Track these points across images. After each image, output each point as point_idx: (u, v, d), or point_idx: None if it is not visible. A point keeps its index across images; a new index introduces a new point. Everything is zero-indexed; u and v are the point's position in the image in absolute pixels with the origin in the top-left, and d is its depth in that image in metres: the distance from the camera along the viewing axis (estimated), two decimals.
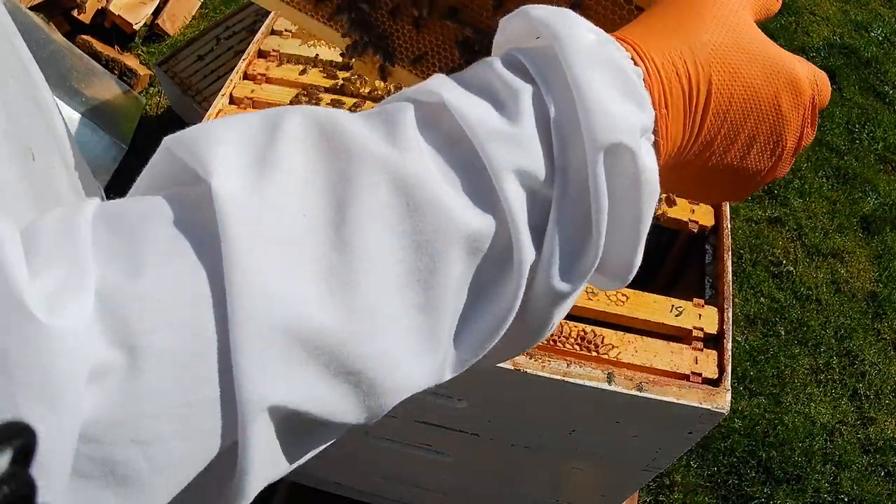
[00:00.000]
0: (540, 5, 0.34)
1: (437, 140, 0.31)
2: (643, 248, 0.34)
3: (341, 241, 0.29)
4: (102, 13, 2.52)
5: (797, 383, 2.05)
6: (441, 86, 0.32)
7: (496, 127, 0.31)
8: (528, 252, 0.31)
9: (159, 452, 0.28)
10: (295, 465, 0.33)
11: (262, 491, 0.33)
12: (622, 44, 0.34)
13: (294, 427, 0.30)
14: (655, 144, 0.33)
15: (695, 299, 0.88)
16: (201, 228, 0.29)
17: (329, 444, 0.35)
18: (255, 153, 0.30)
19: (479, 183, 0.31)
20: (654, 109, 0.33)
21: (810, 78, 0.38)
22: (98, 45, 2.46)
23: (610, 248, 0.33)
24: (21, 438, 0.23)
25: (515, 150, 0.30)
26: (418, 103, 0.32)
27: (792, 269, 2.32)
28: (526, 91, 0.32)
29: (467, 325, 0.33)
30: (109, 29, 2.56)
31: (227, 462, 0.30)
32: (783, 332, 2.15)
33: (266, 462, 0.30)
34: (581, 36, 0.32)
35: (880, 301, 2.25)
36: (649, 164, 0.32)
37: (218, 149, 0.29)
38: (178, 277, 0.28)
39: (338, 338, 0.29)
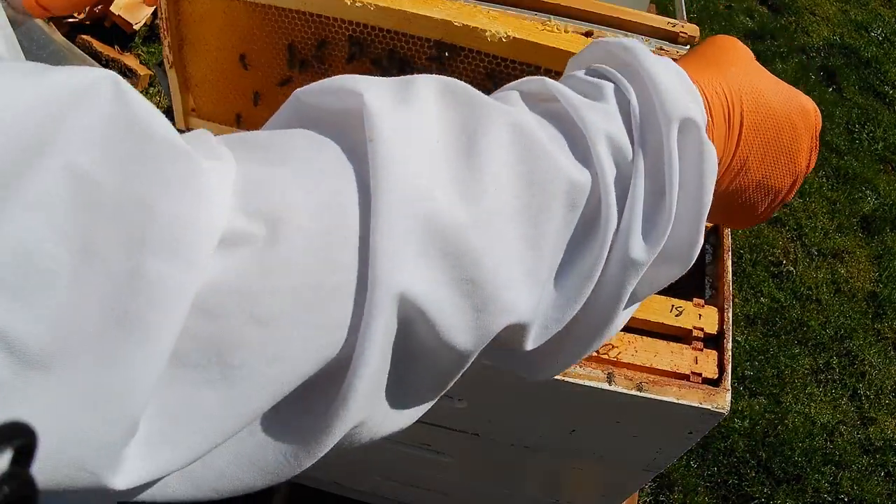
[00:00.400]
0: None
1: (541, 113, 0.36)
2: (704, 225, 0.37)
3: (471, 160, 0.32)
4: (102, 13, 2.52)
5: (797, 383, 2.05)
6: (541, 78, 0.37)
7: (589, 101, 0.36)
8: (613, 214, 0.35)
9: (277, 337, 0.28)
10: (380, 417, 0.34)
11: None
12: None
13: (406, 342, 0.31)
14: None
15: (695, 299, 0.88)
16: (346, 135, 0.31)
17: (423, 400, 0.36)
18: (395, 91, 0.33)
19: (576, 146, 0.35)
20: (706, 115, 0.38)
21: (815, 107, 0.43)
22: (98, 45, 2.46)
23: (677, 223, 0.36)
24: (21, 438, 0.23)
25: (606, 119, 0.35)
26: (521, 91, 0.38)
27: (792, 269, 2.32)
28: (608, 86, 0.37)
29: (558, 281, 0.36)
30: (109, 29, 2.56)
31: (338, 373, 0.30)
32: (783, 333, 2.15)
33: (373, 381, 0.30)
34: (649, 52, 0.38)
35: (880, 301, 2.25)
36: (709, 142, 0.36)
37: (364, 82, 0.32)
38: (323, 167, 0.30)
39: (464, 237, 0.30)
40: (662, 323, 0.86)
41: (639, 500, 1.76)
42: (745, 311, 2.18)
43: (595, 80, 0.38)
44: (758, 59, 0.44)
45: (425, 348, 0.32)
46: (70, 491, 0.25)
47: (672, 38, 1.25)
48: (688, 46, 1.25)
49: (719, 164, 0.39)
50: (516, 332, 0.35)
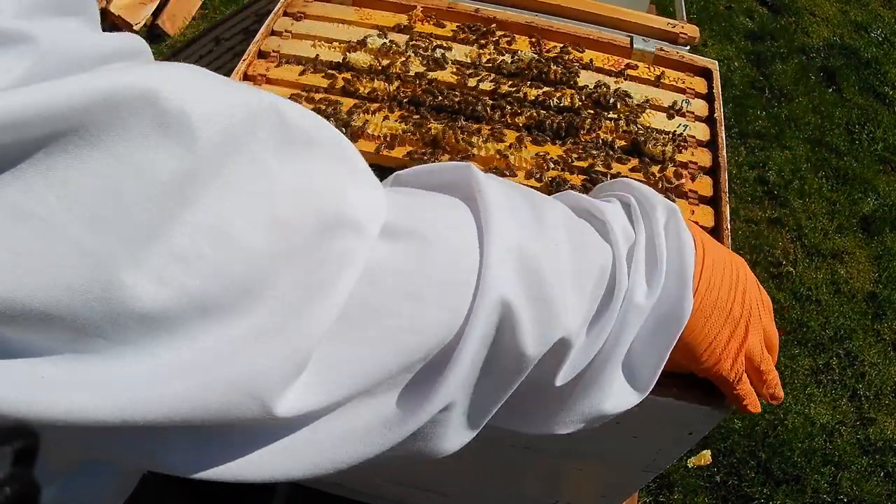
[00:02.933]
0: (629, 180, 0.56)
1: (574, 210, 0.51)
2: (690, 291, 0.49)
3: (540, 223, 0.43)
4: (102, 13, 2.52)
5: (797, 384, 2.05)
6: (572, 192, 0.54)
7: (606, 204, 0.51)
8: (625, 277, 0.47)
9: (421, 312, 0.37)
10: (460, 410, 0.43)
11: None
12: None
13: (492, 345, 0.39)
14: None
15: None
16: (460, 190, 0.44)
17: (492, 407, 0.45)
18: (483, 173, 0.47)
19: (600, 232, 0.49)
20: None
21: (754, 277, 0.58)
22: None
23: (668, 279, 0.48)
24: (22, 440, 0.23)
25: (615, 214, 0.50)
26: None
27: (792, 269, 2.32)
28: (615, 200, 0.52)
29: (587, 329, 0.47)
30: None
31: (444, 355, 0.38)
32: (783, 333, 2.15)
33: (469, 368, 0.39)
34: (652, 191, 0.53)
35: (880, 302, 2.25)
36: (685, 226, 0.51)
37: (468, 166, 0.46)
38: (449, 203, 0.43)
39: (541, 266, 0.41)
40: None
41: (639, 501, 1.76)
42: None
43: (607, 196, 0.53)
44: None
45: (503, 350, 0.40)
46: (232, 418, 0.31)
47: (672, 38, 1.25)
48: (688, 47, 1.25)
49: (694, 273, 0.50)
50: (560, 353, 0.44)
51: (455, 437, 0.45)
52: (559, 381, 0.45)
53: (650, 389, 0.52)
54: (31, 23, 0.26)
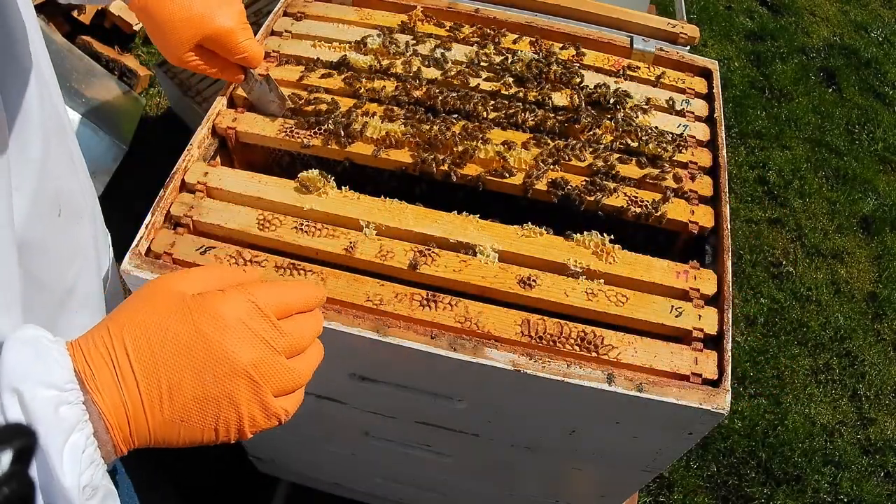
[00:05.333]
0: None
1: None
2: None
3: None
4: (102, 14, 2.52)
5: (797, 384, 2.05)
6: None
7: None
8: None
9: None
10: None
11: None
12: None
13: None
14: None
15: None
16: None
17: None
18: None
19: None
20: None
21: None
22: (98, 46, 2.46)
23: None
24: (21, 439, 0.23)
25: None
26: None
27: (792, 269, 2.32)
28: None
29: None
30: (109, 30, 2.56)
31: None
32: (783, 333, 2.15)
33: None
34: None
35: (880, 302, 2.25)
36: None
37: None
38: None
39: None
40: (662, 324, 0.86)
41: (639, 501, 1.76)
42: (744, 312, 2.18)
43: None
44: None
45: None
46: None
47: (672, 38, 1.25)
48: (688, 47, 1.25)
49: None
50: None
51: None
52: None
53: None
54: None
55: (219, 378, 0.49)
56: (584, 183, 0.98)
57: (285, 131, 1.00)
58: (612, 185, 0.98)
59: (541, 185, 0.97)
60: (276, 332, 0.51)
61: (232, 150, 1.03)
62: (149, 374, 0.48)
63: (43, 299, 0.70)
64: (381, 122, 1.02)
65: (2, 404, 0.37)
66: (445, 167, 0.97)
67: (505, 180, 0.98)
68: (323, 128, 1.00)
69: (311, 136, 1.00)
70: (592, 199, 0.96)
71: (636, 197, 0.97)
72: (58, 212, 0.70)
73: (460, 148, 0.99)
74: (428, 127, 1.01)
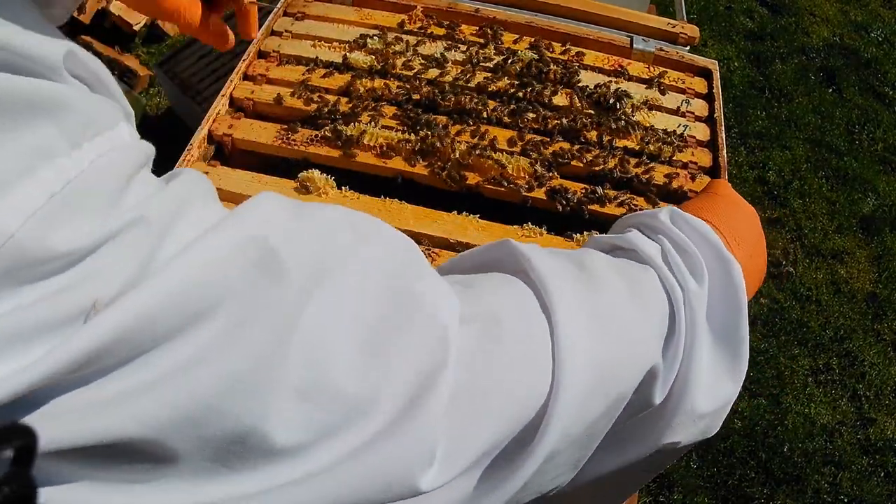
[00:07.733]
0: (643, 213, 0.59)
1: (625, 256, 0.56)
2: (746, 315, 0.51)
3: (589, 273, 0.48)
4: (102, 14, 2.52)
5: (797, 384, 2.05)
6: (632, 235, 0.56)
7: (624, 236, 0.56)
8: (675, 283, 0.51)
9: (515, 383, 0.41)
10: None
11: None
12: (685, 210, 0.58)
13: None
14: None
15: None
16: (516, 272, 0.47)
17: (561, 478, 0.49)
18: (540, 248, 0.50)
19: (633, 258, 0.55)
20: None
21: (751, 210, 0.62)
22: (98, 46, 2.46)
23: (718, 303, 0.52)
24: (21, 439, 0.23)
25: (638, 236, 0.55)
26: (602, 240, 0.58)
27: (792, 269, 2.32)
28: (633, 230, 0.57)
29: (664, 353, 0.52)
30: (109, 29, 2.56)
31: (527, 432, 0.42)
32: (783, 333, 2.15)
33: (567, 419, 0.42)
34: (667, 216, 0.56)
35: (880, 302, 2.25)
36: (696, 218, 0.55)
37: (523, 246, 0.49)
38: (509, 288, 0.46)
39: (604, 311, 0.46)
40: None
41: (639, 501, 1.76)
42: None
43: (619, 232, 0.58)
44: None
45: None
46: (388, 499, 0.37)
47: (672, 38, 1.25)
48: (688, 47, 1.25)
49: (741, 244, 0.56)
50: (651, 377, 0.48)
51: (561, 477, 0.48)
52: (657, 400, 0.49)
53: (744, 372, 0.52)
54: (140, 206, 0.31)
55: None
56: (583, 192, 0.97)
57: (281, 139, 1.00)
58: (612, 193, 0.98)
59: (540, 195, 0.97)
60: None
61: (228, 157, 1.03)
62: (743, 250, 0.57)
63: None
64: (379, 129, 1.01)
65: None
66: (444, 175, 0.97)
67: (503, 188, 0.98)
68: (319, 135, 1.00)
69: (306, 143, 1.00)
70: (592, 207, 0.97)
71: (636, 206, 0.97)
72: None
73: (457, 155, 0.98)
74: (426, 133, 1.00)
